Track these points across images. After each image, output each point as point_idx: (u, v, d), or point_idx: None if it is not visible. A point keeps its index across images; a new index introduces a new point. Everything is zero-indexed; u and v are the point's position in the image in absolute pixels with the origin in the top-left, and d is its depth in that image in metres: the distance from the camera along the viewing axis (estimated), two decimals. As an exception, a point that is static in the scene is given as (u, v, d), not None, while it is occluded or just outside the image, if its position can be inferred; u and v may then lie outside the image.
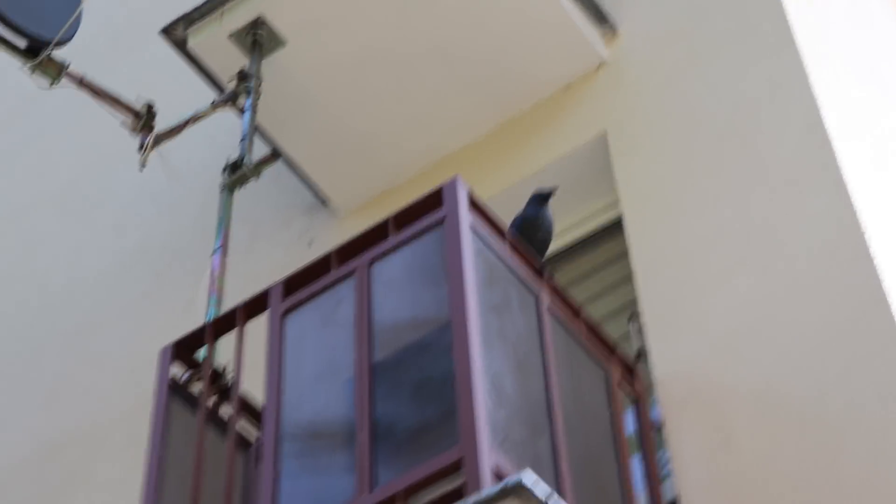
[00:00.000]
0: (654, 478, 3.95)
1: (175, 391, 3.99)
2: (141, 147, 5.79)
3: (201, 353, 4.08)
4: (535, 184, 4.89)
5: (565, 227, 5.06)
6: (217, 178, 5.41)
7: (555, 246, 4.77)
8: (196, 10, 5.23)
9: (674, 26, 5.19)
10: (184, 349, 4.08)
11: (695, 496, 3.88)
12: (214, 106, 5.42)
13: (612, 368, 4.05)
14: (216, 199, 5.36)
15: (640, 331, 4.45)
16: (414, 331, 3.64)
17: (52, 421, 5.87)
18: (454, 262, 3.62)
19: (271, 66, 5.24)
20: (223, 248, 5.06)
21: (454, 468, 3.22)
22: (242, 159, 5.21)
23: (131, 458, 5.05)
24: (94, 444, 5.55)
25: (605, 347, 4.08)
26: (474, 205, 3.84)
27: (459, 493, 3.15)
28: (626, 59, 5.26)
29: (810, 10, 4.97)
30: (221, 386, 4.00)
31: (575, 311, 4.04)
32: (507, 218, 4.19)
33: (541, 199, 4.50)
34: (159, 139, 5.80)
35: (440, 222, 3.77)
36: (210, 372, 4.00)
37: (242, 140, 5.22)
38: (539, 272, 3.97)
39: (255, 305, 4.06)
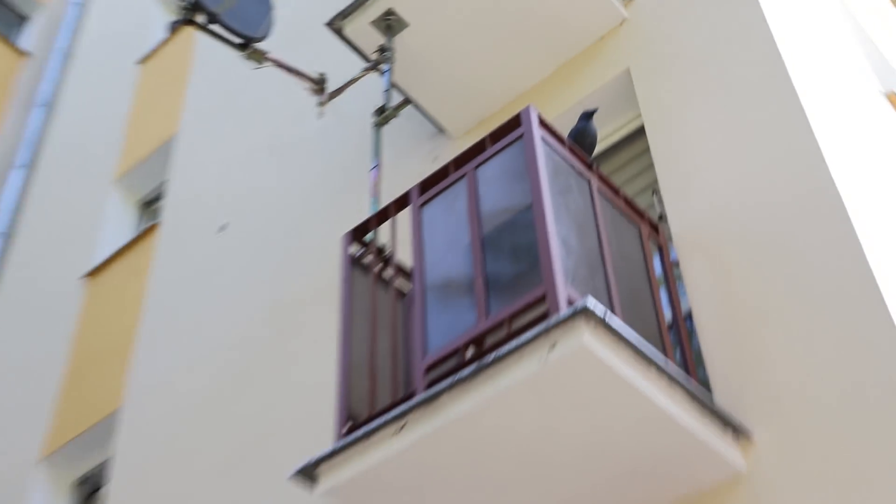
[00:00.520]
0: (675, 300, 3.92)
1: (354, 263, 4.01)
2: (319, 103, 5.83)
3: (368, 236, 4.09)
4: (583, 106, 4.83)
5: (606, 134, 4.98)
6: (369, 120, 5.44)
7: (599, 147, 4.71)
8: (347, 7, 5.21)
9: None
10: (357, 234, 4.10)
11: (702, 312, 3.85)
12: (364, 71, 5.41)
13: (643, 227, 4.00)
14: (370, 134, 5.41)
15: (660, 201, 4.39)
16: (507, 212, 3.61)
17: (277, 289, 5.98)
18: (531, 163, 3.58)
19: (400, 41, 5.20)
20: (378, 166, 5.09)
21: (540, 300, 3.23)
22: (385, 106, 5.24)
23: (330, 314, 5.14)
24: (305, 306, 5.63)
25: (637, 214, 4.02)
26: (543, 123, 3.78)
27: (545, 315, 3.16)
28: (640, 17, 5.13)
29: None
30: (383, 257, 4.02)
31: (615, 190, 3.98)
32: (565, 131, 4.13)
33: (587, 116, 4.43)
34: (332, 96, 5.83)
35: (520, 137, 3.73)
36: (375, 248, 4.02)
37: (385, 92, 5.25)
38: (589, 166, 3.91)
39: (401, 202, 4.05)
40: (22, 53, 11.62)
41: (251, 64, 5.69)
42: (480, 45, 5.21)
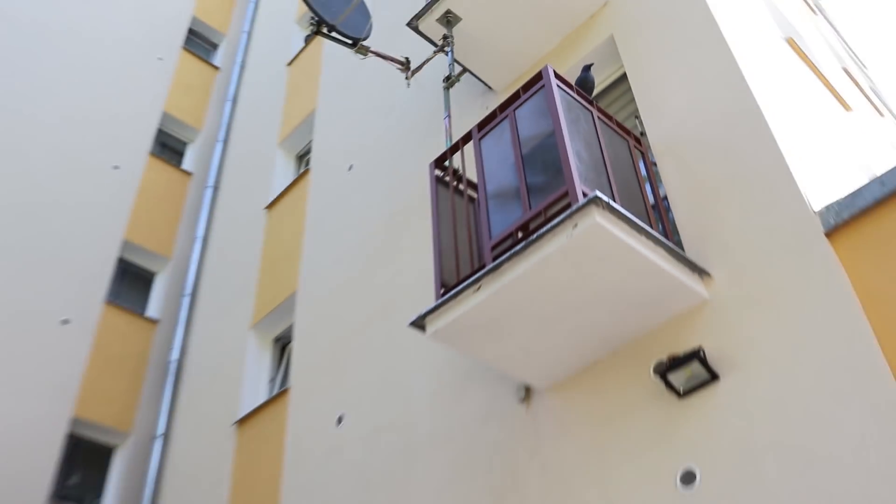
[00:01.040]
0: (655, 189, 3.82)
1: (438, 181, 3.99)
2: (406, 77, 5.76)
3: (446, 163, 4.06)
4: (584, 62, 4.71)
5: (600, 80, 4.83)
6: (441, 85, 5.35)
7: (597, 90, 4.60)
8: (419, 11, 5.12)
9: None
10: (439, 162, 4.06)
11: (674, 195, 3.75)
12: (434, 53, 5.28)
13: (630, 141, 3.89)
14: (442, 95, 5.33)
15: (640, 122, 4.25)
16: (537, 138, 3.54)
17: (389, 205, 5.99)
18: (551, 104, 3.50)
19: (457, 31, 5.06)
20: (448, 116, 5.03)
21: (564, 195, 3.19)
22: (450, 75, 5.15)
23: (425, 218, 5.16)
24: (409, 214, 5.61)
25: (626, 132, 3.91)
26: (557, 76, 3.68)
27: (568, 206, 3.14)
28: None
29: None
30: (458, 176, 3.99)
31: (609, 117, 3.87)
32: (572, 80, 4.02)
33: (587, 69, 4.30)
34: (414, 72, 5.74)
35: (543, 87, 3.64)
36: (452, 170, 3.98)
37: (449, 66, 5.14)
38: (591, 102, 3.80)
39: (466, 137, 3.99)
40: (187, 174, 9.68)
41: (359, 56, 5.63)
42: (511, 29, 5.05)
